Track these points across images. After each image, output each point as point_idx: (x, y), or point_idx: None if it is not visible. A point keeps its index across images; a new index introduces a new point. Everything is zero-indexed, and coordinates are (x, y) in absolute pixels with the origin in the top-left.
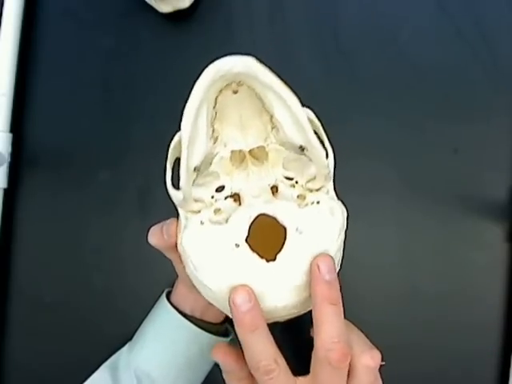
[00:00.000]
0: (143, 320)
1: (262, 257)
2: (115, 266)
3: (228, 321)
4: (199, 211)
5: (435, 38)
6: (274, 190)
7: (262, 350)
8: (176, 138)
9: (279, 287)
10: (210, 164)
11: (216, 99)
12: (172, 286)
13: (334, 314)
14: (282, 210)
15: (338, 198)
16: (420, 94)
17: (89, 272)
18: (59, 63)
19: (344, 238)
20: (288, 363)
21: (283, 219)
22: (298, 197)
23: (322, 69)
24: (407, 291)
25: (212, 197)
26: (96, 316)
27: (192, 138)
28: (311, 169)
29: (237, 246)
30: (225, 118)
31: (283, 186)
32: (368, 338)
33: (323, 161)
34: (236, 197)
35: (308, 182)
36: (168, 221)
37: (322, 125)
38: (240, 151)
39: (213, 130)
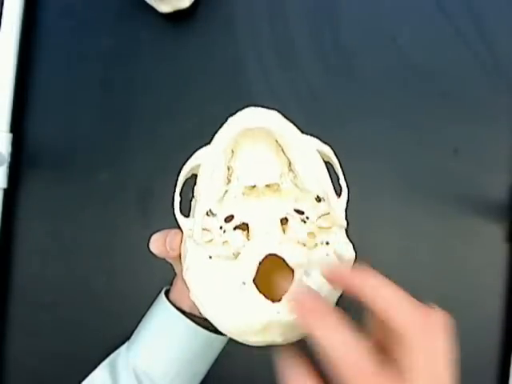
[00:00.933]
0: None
1: (267, 297)
2: (115, 265)
3: None
4: (207, 242)
5: (435, 38)
6: (284, 221)
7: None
8: (187, 169)
9: (282, 326)
10: (222, 200)
11: None
12: (171, 285)
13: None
14: (291, 252)
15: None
16: (420, 94)
17: (88, 272)
18: (59, 63)
19: None
20: None
21: (291, 261)
22: (308, 234)
23: (322, 69)
24: (407, 291)
25: (220, 227)
26: (96, 316)
27: (209, 188)
28: (324, 206)
29: (243, 284)
30: (240, 154)
31: (293, 221)
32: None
33: (338, 214)
34: (244, 227)
35: (319, 218)
36: (172, 232)
37: (339, 162)
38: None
39: (228, 170)
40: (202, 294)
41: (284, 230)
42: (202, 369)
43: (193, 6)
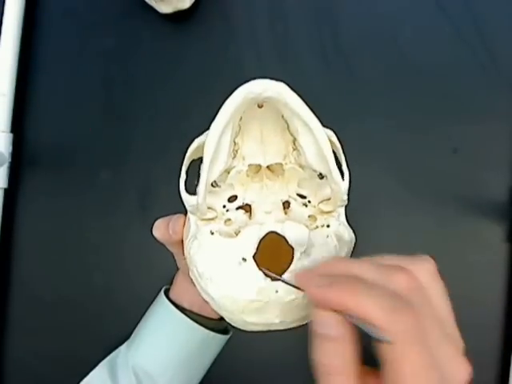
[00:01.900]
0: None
1: (267, 275)
2: (116, 265)
3: None
4: (210, 220)
5: (435, 38)
6: (286, 205)
7: None
8: (194, 145)
9: (280, 305)
10: (227, 176)
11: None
12: (171, 284)
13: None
14: (292, 231)
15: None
16: (420, 94)
17: (89, 271)
18: (59, 63)
19: None
20: None
21: (292, 240)
22: (308, 217)
23: (321, 69)
24: None
25: (224, 206)
26: (96, 315)
27: (214, 156)
28: (326, 191)
29: (244, 260)
30: (246, 132)
31: (295, 204)
32: (368, 338)
33: (341, 192)
34: (247, 208)
35: (320, 203)
36: (175, 217)
37: (342, 147)
38: (257, 165)
39: (234, 144)
40: (202, 269)
41: (286, 213)
42: (201, 367)
43: (193, 7)
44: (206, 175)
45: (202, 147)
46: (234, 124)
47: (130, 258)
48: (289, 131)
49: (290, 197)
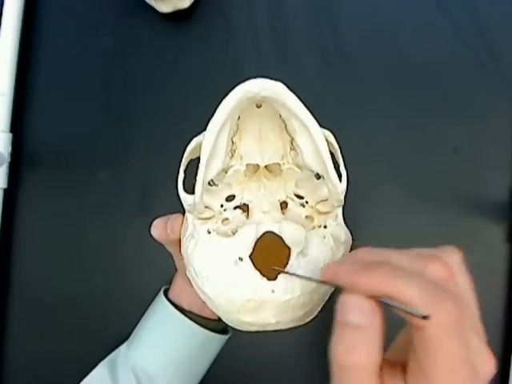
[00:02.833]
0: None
1: (263, 274)
2: (116, 265)
3: None
4: (207, 219)
5: (435, 37)
6: (284, 205)
7: None
8: (192, 144)
9: (276, 305)
10: (224, 175)
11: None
12: (170, 284)
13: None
14: (289, 231)
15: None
16: (420, 94)
17: (89, 271)
18: (59, 63)
19: None
20: None
21: (288, 240)
22: (306, 217)
23: (322, 69)
24: None
25: (221, 205)
26: (96, 315)
27: (211, 154)
28: (323, 191)
29: (240, 259)
30: (244, 131)
31: (292, 204)
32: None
33: (337, 192)
34: (245, 207)
35: (318, 203)
36: (173, 216)
37: (340, 148)
38: (255, 164)
39: (232, 144)
40: (199, 268)
41: (283, 213)
42: (201, 367)
43: (193, 6)
44: (203, 174)
45: (200, 146)
46: (231, 123)
47: (129, 258)
48: (286, 131)
49: (287, 197)
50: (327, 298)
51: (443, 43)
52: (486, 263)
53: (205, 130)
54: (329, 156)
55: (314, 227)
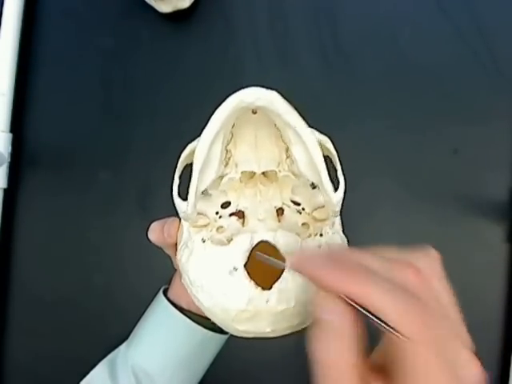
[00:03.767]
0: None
1: (258, 284)
2: (116, 265)
3: None
4: (202, 226)
5: (435, 38)
6: (280, 212)
7: None
8: (187, 151)
9: (271, 315)
10: (219, 183)
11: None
12: (170, 284)
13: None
14: (284, 240)
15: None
16: (420, 94)
17: (89, 271)
18: (59, 63)
19: None
20: None
21: (283, 250)
22: (302, 225)
23: (322, 69)
24: None
25: (217, 213)
26: (96, 315)
27: (205, 164)
28: (319, 199)
29: (235, 269)
30: (239, 138)
31: (289, 211)
32: (368, 338)
33: (332, 204)
34: (240, 214)
35: (314, 210)
36: (170, 219)
37: (338, 152)
38: (251, 172)
39: (226, 152)
40: (193, 277)
41: (279, 220)
42: (200, 367)
43: (193, 6)
44: (196, 185)
45: (194, 153)
46: (225, 132)
47: (129, 258)
48: (282, 139)
49: (283, 203)
50: None
51: (443, 43)
52: (486, 263)
53: (200, 134)
54: (324, 167)
55: (310, 235)
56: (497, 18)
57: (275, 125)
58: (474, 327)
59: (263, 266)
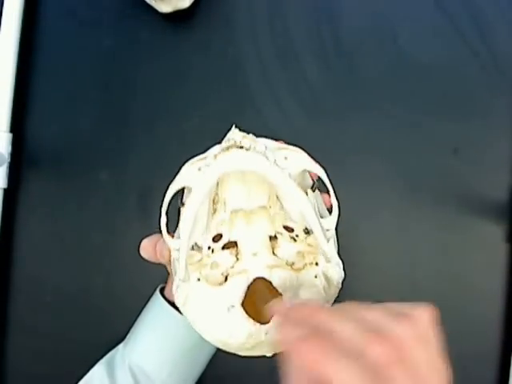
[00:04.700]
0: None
1: (255, 320)
2: (116, 265)
3: None
4: (196, 262)
5: (435, 37)
6: (274, 241)
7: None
8: (171, 192)
9: (271, 343)
10: (209, 226)
11: None
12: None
13: None
14: (279, 276)
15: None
16: (420, 93)
17: (89, 271)
18: (59, 63)
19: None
20: None
21: (279, 285)
22: (297, 253)
23: (321, 68)
24: (407, 291)
25: (209, 247)
26: (96, 315)
27: (192, 230)
28: None
29: (232, 307)
30: (226, 176)
31: (282, 239)
32: None
33: (324, 250)
34: (233, 245)
35: (309, 236)
36: (161, 241)
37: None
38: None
39: (213, 200)
40: (192, 314)
41: (273, 249)
42: (198, 365)
43: (193, 6)
44: (186, 252)
45: (179, 191)
46: (210, 196)
47: (129, 258)
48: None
49: (276, 232)
50: None
51: (443, 43)
52: (486, 263)
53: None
54: (315, 220)
55: (306, 265)
56: (497, 17)
57: None
58: (474, 327)
59: (260, 299)
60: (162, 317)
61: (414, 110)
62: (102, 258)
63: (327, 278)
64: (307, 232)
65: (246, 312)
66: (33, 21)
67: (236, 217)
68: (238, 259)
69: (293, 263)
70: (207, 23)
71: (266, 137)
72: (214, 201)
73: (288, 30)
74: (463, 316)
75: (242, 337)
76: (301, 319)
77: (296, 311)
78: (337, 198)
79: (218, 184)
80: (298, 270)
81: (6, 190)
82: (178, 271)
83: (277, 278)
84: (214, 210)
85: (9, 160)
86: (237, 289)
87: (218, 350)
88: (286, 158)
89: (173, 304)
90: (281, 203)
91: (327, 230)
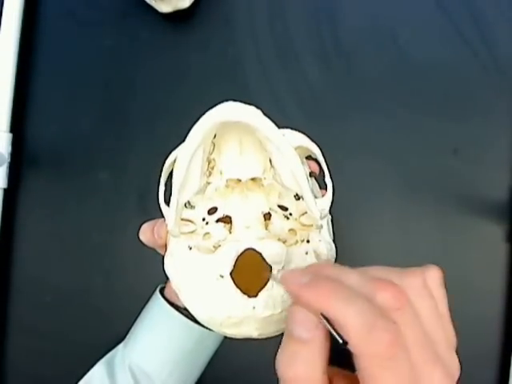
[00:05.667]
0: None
1: (244, 292)
2: (114, 265)
3: None
4: (189, 233)
5: (435, 37)
6: (267, 217)
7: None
8: (171, 158)
9: (257, 320)
10: (205, 190)
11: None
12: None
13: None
14: (270, 248)
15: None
16: (420, 93)
17: (89, 271)
18: (59, 63)
19: None
20: None
21: (269, 258)
22: (289, 230)
23: (321, 69)
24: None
25: (203, 219)
26: (96, 315)
27: (184, 181)
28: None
29: (221, 277)
30: (224, 145)
31: (276, 216)
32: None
33: (315, 219)
34: (227, 219)
35: (302, 215)
36: (159, 221)
37: (325, 158)
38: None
39: (209, 163)
40: (180, 284)
41: (266, 226)
42: (198, 365)
43: (193, 6)
44: (176, 202)
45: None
46: (205, 147)
47: (129, 258)
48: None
49: (271, 209)
50: None
51: (443, 43)
52: (486, 263)
53: (183, 141)
54: (304, 180)
55: (297, 241)
56: (497, 17)
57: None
58: (473, 327)
59: (249, 272)
60: (162, 317)
61: (414, 109)
62: (101, 258)
63: (318, 256)
64: (298, 198)
65: (235, 284)
66: (33, 21)
67: (232, 192)
68: (230, 233)
69: (285, 240)
70: (207, 23)
71: None
72: (209, 164)
73: (288, 30)
74: (463, 316)
75: (229, 308)
76: (308, 271)
77: (301, 270)
78: (332, 182)
79: (214, 149)
80: (289, 245)
81: (5, 190)
82: (169, 225)
83: (267, 249)
84: (209, 173)
85: (9, 160)
86: (227, 257)
87: (218, 350)
88: (283, 135)
89: (173, 304)
90: (274, 169)
91: (322, 210)
